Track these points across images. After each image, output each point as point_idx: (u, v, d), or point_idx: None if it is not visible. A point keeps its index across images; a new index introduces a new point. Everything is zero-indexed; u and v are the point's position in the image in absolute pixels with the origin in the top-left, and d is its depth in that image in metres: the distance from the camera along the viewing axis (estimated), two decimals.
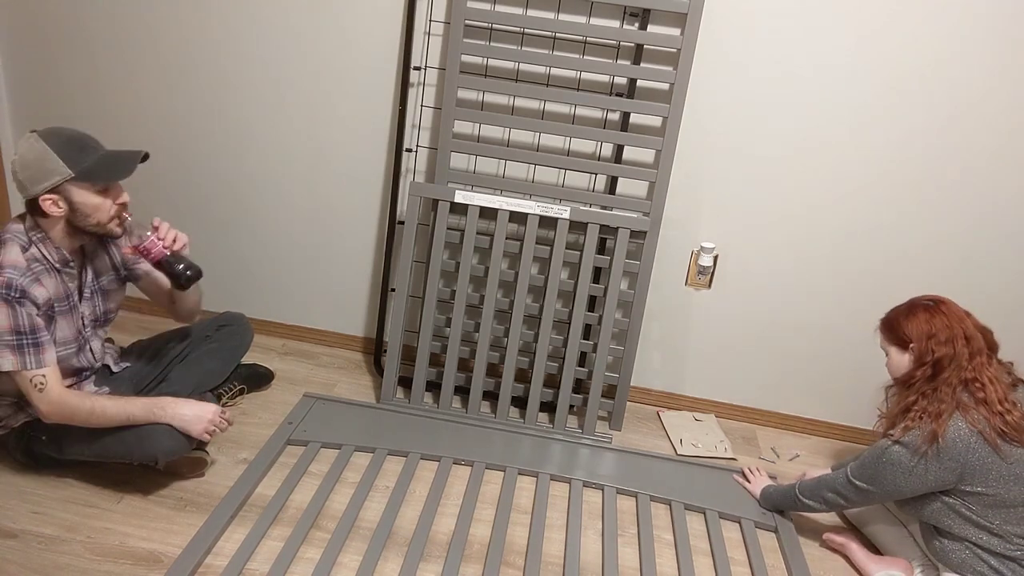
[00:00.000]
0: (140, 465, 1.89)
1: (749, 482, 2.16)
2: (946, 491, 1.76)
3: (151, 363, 2.09)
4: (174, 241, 1.81)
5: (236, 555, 1.71)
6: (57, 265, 1.75)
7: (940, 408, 1.72)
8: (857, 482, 1.84)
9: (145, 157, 1.74)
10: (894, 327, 1.83)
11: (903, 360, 1.82)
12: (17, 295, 1.63)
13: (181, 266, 1.80)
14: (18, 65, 2.48)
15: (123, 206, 1.76)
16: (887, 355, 1.87)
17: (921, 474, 1.74)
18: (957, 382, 1.73)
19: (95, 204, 1.70)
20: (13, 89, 2.52)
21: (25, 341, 1.65)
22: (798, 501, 1.97)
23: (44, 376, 1.69)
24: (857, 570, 1.94)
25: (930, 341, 1.76)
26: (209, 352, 2.14)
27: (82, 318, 1.84)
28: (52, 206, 1.67)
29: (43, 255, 1.72)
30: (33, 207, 1.70)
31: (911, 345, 1.79)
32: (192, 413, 1.82)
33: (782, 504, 2.04)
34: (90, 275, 1.86)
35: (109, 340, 2.04)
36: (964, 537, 1.77)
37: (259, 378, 2.39)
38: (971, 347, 1.75)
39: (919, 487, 1.76)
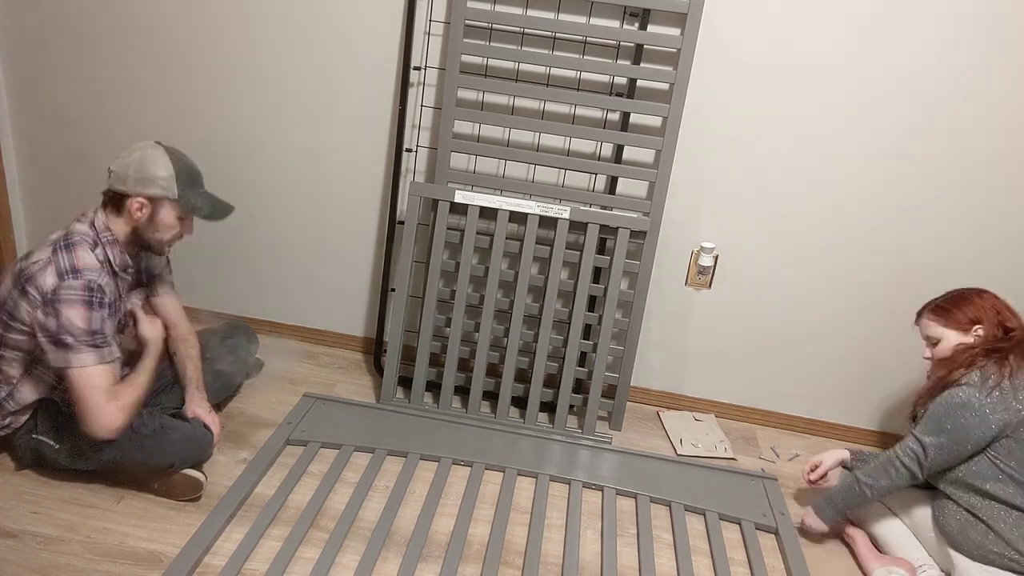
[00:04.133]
0: (134, 482, 1.90)
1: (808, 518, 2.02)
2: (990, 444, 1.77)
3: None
4: None
5: (235, 555, 1.71)
6: (117, 269, 1.79)
7: (1006, 361, 1.76)
8: (926, 438, 1.79)
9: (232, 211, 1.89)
10: (951, 312, 1.86)
11: (964, 341, 1.84)
12: (99, 297, 1.66)
13: None
14: (18, 65, 2.49)
15: (181, 237, 1.86)
16: (938, 342, 1.87)
17: (987, 414, 1.73)
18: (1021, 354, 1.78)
19: (170, 225, 1.80)
20: (13, 89, 2.52)
21: (99, 340, 1.67)
22: (862, 488, 1.86)
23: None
24: (860, 565, 1.93)
25: (999, 316, 1.82)
26: (209, 371, 2.12)
27: (117, 323, 1.81)
28: (137, 210, 1.74)
29: (108, 257, 1.76)
30: (118, 204, 1.75)
31: (977, 326, 1.82)
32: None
33: (846, 501, 1.91)
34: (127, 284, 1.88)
35: None
36: (989, 493, 1.77)
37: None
38: None
39: (985, 432, 1.74)
